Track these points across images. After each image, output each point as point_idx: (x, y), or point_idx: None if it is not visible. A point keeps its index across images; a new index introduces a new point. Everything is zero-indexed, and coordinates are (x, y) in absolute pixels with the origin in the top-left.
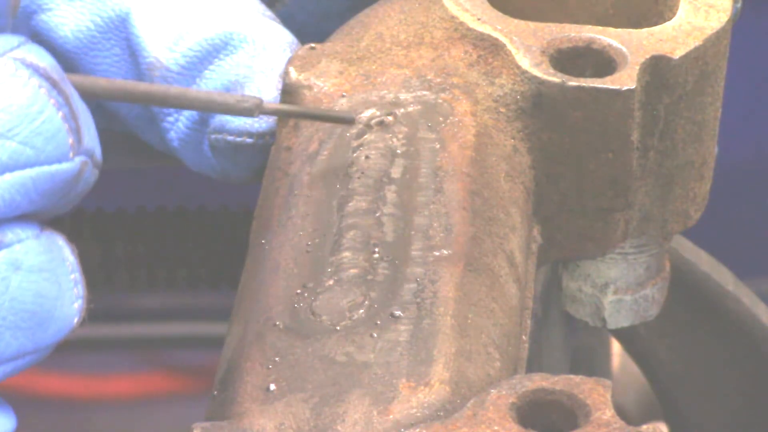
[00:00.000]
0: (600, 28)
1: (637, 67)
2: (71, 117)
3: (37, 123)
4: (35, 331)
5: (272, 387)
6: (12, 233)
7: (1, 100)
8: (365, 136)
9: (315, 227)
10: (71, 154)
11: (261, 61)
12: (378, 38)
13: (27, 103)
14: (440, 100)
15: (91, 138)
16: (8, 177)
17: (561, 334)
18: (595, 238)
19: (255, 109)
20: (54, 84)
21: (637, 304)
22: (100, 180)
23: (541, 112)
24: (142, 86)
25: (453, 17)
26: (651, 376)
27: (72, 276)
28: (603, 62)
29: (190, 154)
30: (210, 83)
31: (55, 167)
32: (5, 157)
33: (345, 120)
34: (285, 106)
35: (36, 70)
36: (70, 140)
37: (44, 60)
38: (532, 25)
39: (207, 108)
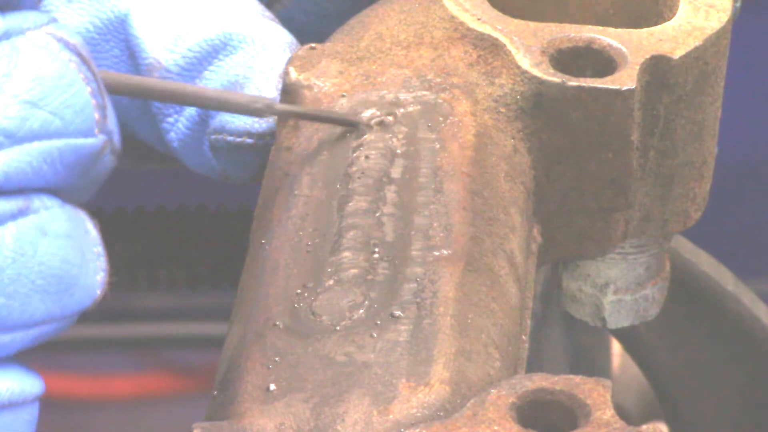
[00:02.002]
0: (600, 28)
1: (637, 67)
2: (98, 94)
3: (66, 95)
4: (62, 297)
5: (272, 387)
6: (39, 200)
7: (33, 70)
8: (365, 136)
9: (315, 227)
10: (96, 131)
11: (260, 61)
12: (378, 38)
13: (58, 75)
14: (440, 100)
15: (112, 121)
16: (37, 145)
17: (561, 334)
18: (595, 238)
19: (266, 110)
20: (84, 60)
21: (637, 304)
22: None
23: (541, 112)
24: (159, 83)
25: (453, 17)
26: (651, 376)
27: (95, 248)
28: (603, 62)
29: (190, 155)
30: (210, 84)
31: (81, 141)
32: (36, 125)
33: (351, 123)
34: (295, 108)
35: (66, 45)
36: (97, 116)
37: (74, 38)
38: (532, 25)
39: (221, 107)
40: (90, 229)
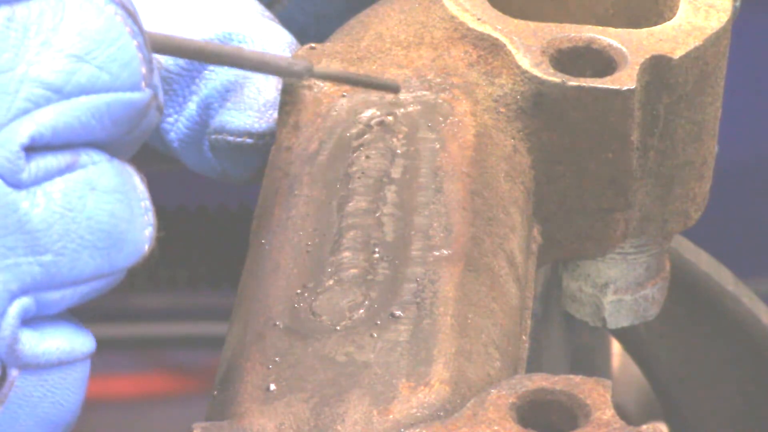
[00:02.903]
0: (600, 28)
1: (637, 67)
2: (145, 47)
3: (113, 49)
4: (110, 252)
5: (272, 387)
6: (86, 155)
7: (79, 24)
8: (365, 136)
9: (315, 227)
10: (143, 84)
11: None
12: (378, 38)
13: (104, 28)
14: (440, 100)
15: (156, 76)
16: (84, 99)
17: (561, 334)
18: (595, 238)
19: (305, 72)
20: (129, 14)
21: (637, 304)
22: None
23: (541, 112)
24: (199, 44)
25: (453, 17)
26: (651, 376)
27: (143, 203)
28: (603, 62)
29: (191, 155)
30: (210, 83)
31: (128, 95)
32: (83, 79)
33: (391, 88)
34: (334, 71)
35: None
36: (143, 70)
37: None
38: (532, 25)
39: (259, 68)
40: (137, 183)
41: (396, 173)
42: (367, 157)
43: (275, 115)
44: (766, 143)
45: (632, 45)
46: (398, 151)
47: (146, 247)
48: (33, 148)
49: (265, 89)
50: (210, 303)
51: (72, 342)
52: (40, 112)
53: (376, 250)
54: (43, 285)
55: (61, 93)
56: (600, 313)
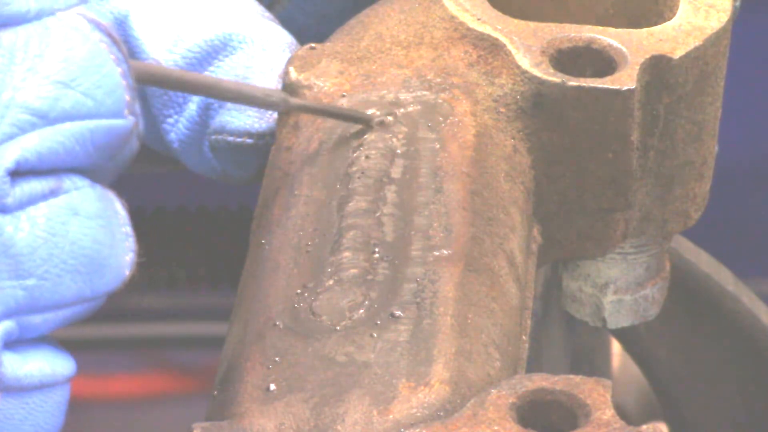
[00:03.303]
0: (600, 28)
1: (637, 67)
2: (128, 75)
3: (98, 76)
4: (92, 277)
5: (272, 387)
6: (70, 180)
7: (64, 50)
8: (365, 136)
9: (315, 227)
10: (126, 112)
11: (260, 61)
12: (378, 38)
13: (89, 56)
14: (440, 100)
15: (138, 104)
16: (69, 125)
17: (561, 334)
18: (595, 238)
19: (281, 103)
20: (114, 41)
21: (637, 304)
22: None
23: (541, 112)
24: (177, 73)
25: (453, 17)
26: (651, 376)
27: (124, 229)
28: (603, 62)
29: (191, 155)
30: None
31: (112, 122)
32: (68, 105)
33: (363, 120)
34: (308, 103)
35: (97, 26)
36: (127, 97)
37: (104, 19)
38: (532, 25)
39: (237, 99)
40: (119, 209)
41: (396, 173)
42: (367, 157)
43: (275, 115)
44: (766, 143)
45: (632, 45)
46: (398, 151)
47: (127, 272)
48: (18, 173)
49: None
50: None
51: (53, 365)
52: (26, 137)
53: (376, 250)
54: (25, 309)
55: (46, 119)
56: (600, 313)
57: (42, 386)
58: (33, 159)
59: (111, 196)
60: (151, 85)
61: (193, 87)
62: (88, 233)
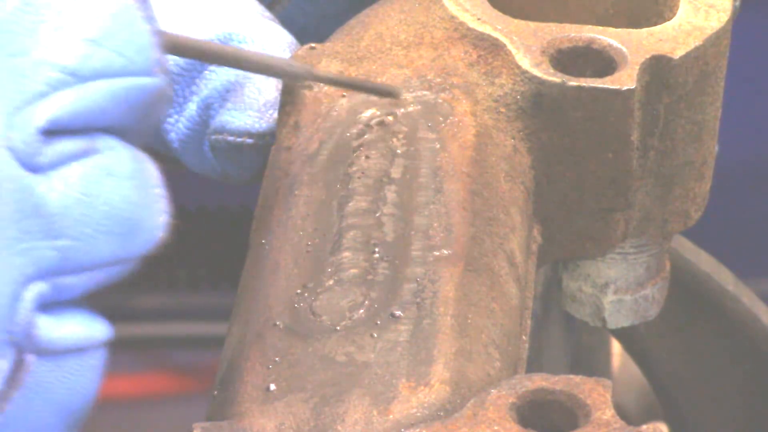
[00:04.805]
0: (600, 28)
1: (637, 67)
2: (156, 33)
3: (128, 33)
4: (126, 238)
5: (272, 387)
6: (103, 141)
7: (94, 7)
8: (365, 136)
9: (315, 227)
10: (157, 70)
11: None
12: (378, 38)
13: (119, 12)
14: (440, 100)
15: (167, 64)
16: (101, 84)
17: (561, 334)
18: (595, 238)
19: (306, 75)
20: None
21: (637, 304)
22: None
23: (541, 112)
24: (200, 43)
25: (453, 17)
26: (651, 376)
27: (157, 190)
28: (603, 62)
29: (191, 155)
30: (210, 83)
31: (143, 80)
32: (99, 63)
33: (389, 92)
34: (334, 75)
35: None
36: (157, 55)
37: None
38: (532, 25)
39: (260, 70)
40: (152, 170)
41: (396, 173)
42: (367, 157)
43: (275, 115)
44: (766, 143)
45: (632, 45)
46: (398, 151)
47: (161, 234)
48: (50, 132)
49: (265, 89)
50: (210, 303)
51: (88, 329)
52: (57, 96)
53: (376, 250)
54: (59, 270)
55: (77, 77)
56: (600, 313)
57: (77, 350)
58: (66, 118)
59: (144, 157)
60: (174, 54)
61: (216, 57)
62: (122, 194)
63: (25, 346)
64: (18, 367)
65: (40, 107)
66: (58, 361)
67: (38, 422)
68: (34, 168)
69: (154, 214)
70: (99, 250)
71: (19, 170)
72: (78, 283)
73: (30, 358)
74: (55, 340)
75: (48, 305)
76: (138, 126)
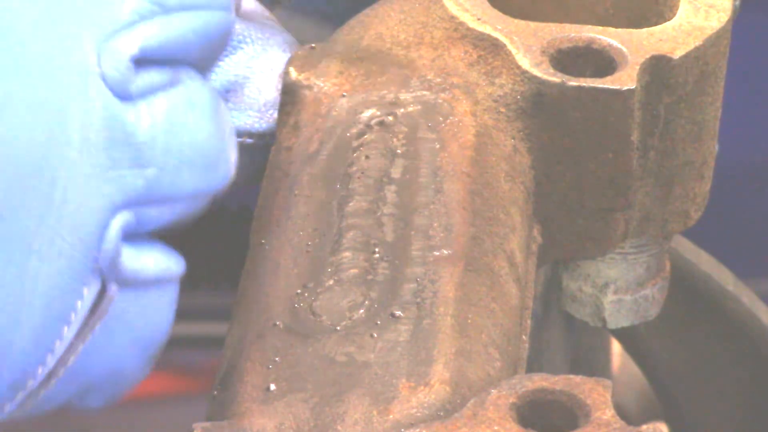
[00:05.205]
0: (600, 28)
1: (637, 67)
2: None
3: None
4: (207, 171)
5: (272, 387)
6: (185, 73)
7: None
8: (365, 136)
9: (315, 227)
10: (232, 6)
11: (260, 61)
12: (378, 38)
13: None
14: (440, 100)
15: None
16: (185, 16)
17: (561, 334)
18: (595, 238)
19: None
20: None
21: (637, 304)
22: None
23: (541, 112)
24: None
25: (453, 17)
26: (651, 376)
27: (230, 126)
28: (603, 62)
29: None
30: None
31: (222, 14)
32: None
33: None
34: None
35: None
36: None
37: None
38: (532, 25)
39: None
40: (225, 106)
41: (396, 173)
42: (367, 157)
43: (275, 115)
44: (766, 143)
45: (632, 45)
46: (398, 151)
47: (233, 171)
48: (139, 62)
49: (266, 89)
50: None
51: (166, 262)
52: (146, 25)
53: (376, 250)
54: (144, 200)
55: (164, 7)
56: (600, 313)
57: (157, 282)
58: (153, 48)
59: (217, 93)
60: None
61: None
62: (204, 127)
63: (110, 275)
64: (101, 296)
65: (130, 36)
66: (139, 292)
67: (118, 353)
68: (124, 96)
69: (229, 149)
70: (182, 182)
71: (112, 98)
72: (160, 215)
73: (113, 289)
74: (137, 271)
75: (130, 236)
76: (209, 61)
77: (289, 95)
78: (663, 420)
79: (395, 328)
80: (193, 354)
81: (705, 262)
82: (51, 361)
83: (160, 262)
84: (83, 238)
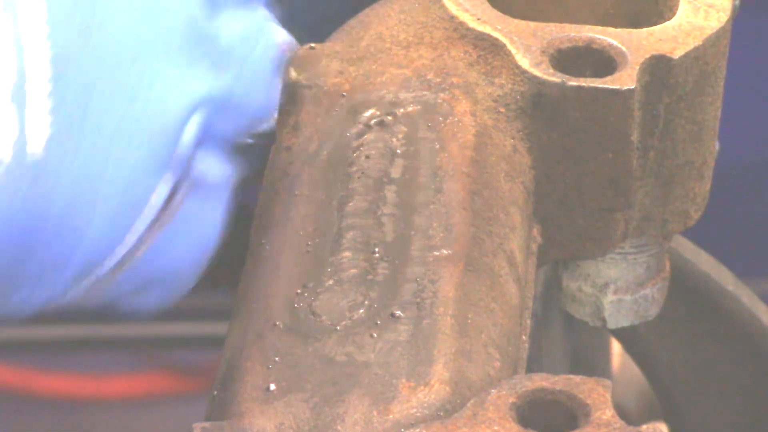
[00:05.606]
0: (600, 28)
1: (637, 67)
2: None
3: None
4: (269, 90)
5: (272, 387)
6: (257, 1)
7: None
8: (365, 136)
9: (315, 227)
10: None
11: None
12: (378, 38)
13: None
14: (440, 100)
15: None
16: None
17: (561, 334)
18: (595, 238)
19: None
20: None
21: (637, 304)
22: None
23: (541, 112)
24: None
25: (453, 17)
26: (651, 376)
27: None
28: (603, 62)
29: None
30: None
31: None
32: None
33: None
34: None
35: None
36: None
37: None
38: (532, 25)
39: None
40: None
41: (396, 173)
42: (367, 157)
43: (275, 115)
44: (766, 143)
45: (632, 45)
46: (398, 151)
47: (276, 109)
48: None
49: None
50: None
51: (227, 168)
52: None
53: (376, 250)
54: (219, 104)
55: None
56: (600, 313)
57: (216, 188)
58: None
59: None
60: None
61: None
62: (271, 47)
63: (183, 174)
64: (172, 196)
65: None
66: (202, 195)
67: (179, 254)
68: (210, 3)
69: (281, 78)
70: (253, 93)
71: (199, 2)
72: (226, 124)
73: (184, 188)
74: (205, 173)
75: (200, 139)
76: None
77: (289, 95)
78: (663, 420)
79: (395, 328)
80: (193, 354)
81: (705, 262)
82: (121, 250)
83: (223, 170)
84: (164, 129)
